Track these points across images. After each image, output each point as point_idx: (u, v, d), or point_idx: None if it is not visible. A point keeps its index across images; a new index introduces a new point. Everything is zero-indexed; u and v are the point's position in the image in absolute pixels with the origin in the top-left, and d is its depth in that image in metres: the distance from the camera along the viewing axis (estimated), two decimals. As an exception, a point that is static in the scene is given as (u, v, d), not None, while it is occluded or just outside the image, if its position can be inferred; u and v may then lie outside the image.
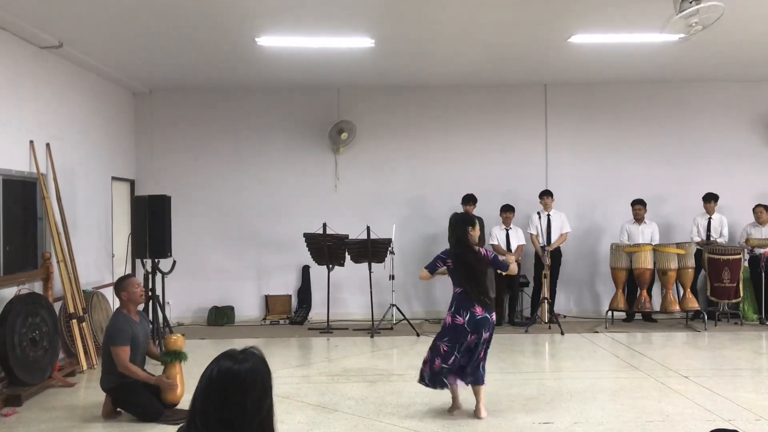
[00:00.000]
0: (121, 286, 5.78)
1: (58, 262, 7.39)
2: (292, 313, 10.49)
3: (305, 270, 10.50)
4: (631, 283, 9.68)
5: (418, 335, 9.08)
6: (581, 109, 10.66)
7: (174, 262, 8.96)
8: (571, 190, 10.50)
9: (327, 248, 9.52)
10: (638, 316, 9.97)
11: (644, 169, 10.54)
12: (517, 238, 9.91)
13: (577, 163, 10.63)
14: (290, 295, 10.60)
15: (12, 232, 7.06)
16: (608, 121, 10.64)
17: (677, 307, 9.43)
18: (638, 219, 9.90)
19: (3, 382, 6.13)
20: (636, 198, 9.93)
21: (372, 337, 9.10)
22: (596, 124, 10.65)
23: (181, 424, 2.21)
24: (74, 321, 7.36)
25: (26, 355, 6.36)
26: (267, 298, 10.56)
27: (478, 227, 5.79)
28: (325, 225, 9.49)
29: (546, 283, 9.54)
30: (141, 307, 6.09)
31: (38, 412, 5.87)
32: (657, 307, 9.66)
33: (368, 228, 9.27)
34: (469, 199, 9.83)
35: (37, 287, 7.17)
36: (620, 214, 10.17)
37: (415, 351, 8.16)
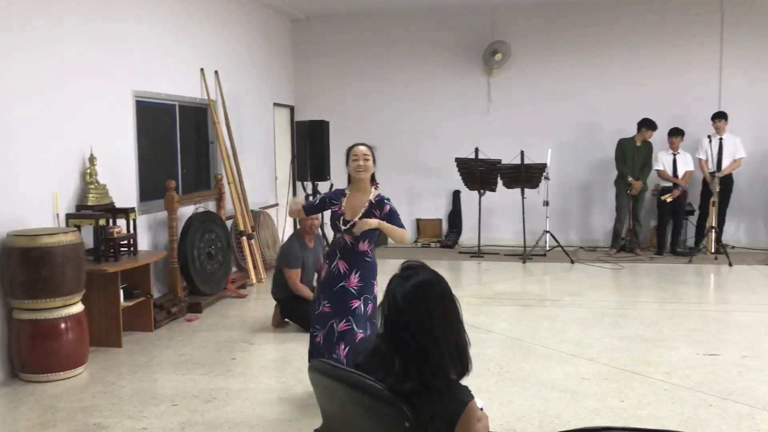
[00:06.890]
0: None
1: (228, 183, 7.90)
2: (442, 236, 10.63)
3: (456, 195, 10.53)
4: (813, 214, 8.89)
5: (572, 262, 8.90)
6: (762, 21, 9.64)
7: (332, 185, 9.30)
8: (747, 112, 9.59)
9: (479, 173, 9.46)
10: (819, 249, 9.18)
11: (835, 88, 9.46)
12: (685, 164, 9.29)
13: (756, 83, 9.67)
14: (441, 219, 10.71)
15: (187, 156, 7.62)
16: (794, 34, 9.58)
17: None
18: (825, 143, 8.97)
19: (185, 291, 6.76)
20: (824, 120, 8.98)
21: (524, 262, 9.04)
22: (780, 37, 9.62)
23: (361, 357, 2.07)
24: (244, 238, 7.91)
25: (204, 268, 6.96)
26: (418, 221, 10.74)
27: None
28: (477, 149, 9.39)
29: (714, 211, 8.94)
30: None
31: (216, 319, 6.44)
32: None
33: (522, 152, 9.07)
34: (644, 124, 9.25)
35: (210, 206, 7.73)
36: (804, 138, 9.26)
37: (570, 278, 8.07)
